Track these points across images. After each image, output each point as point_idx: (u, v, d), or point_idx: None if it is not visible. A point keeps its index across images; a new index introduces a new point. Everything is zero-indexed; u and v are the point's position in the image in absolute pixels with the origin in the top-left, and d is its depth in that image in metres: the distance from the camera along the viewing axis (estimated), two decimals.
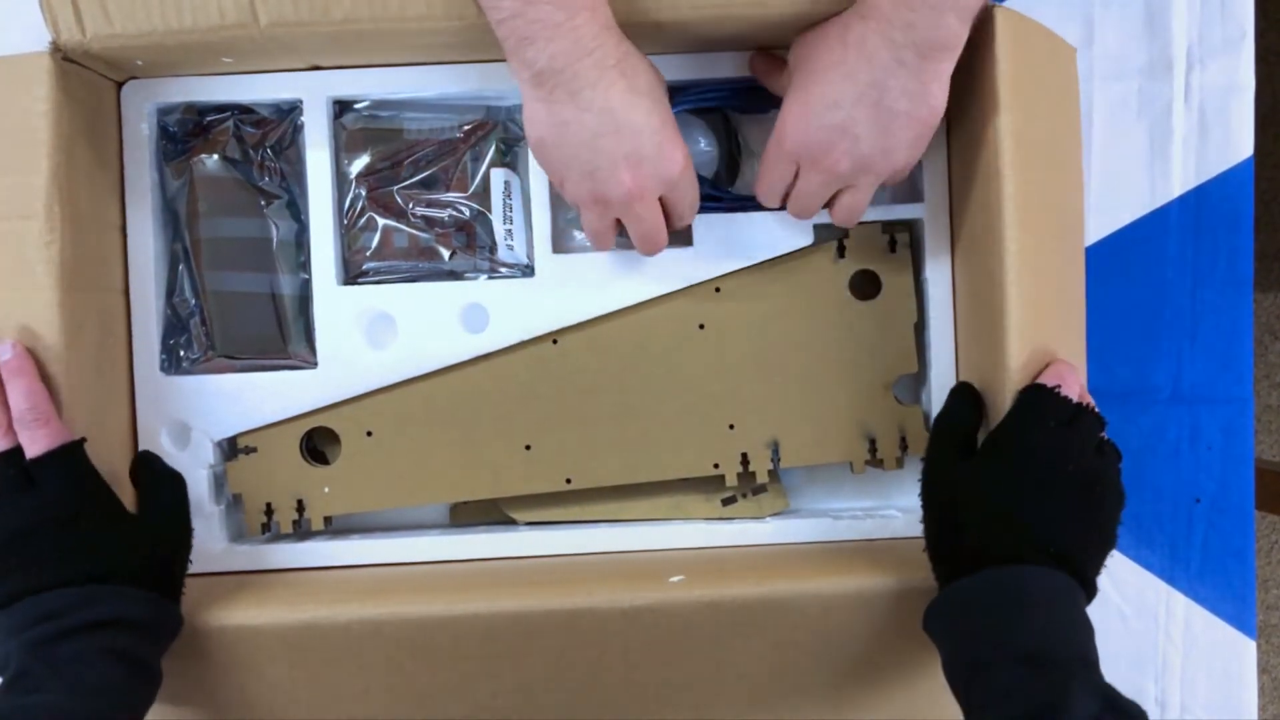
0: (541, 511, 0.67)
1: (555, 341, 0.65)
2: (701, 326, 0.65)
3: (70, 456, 0.53)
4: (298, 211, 0.65)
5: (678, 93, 0.64)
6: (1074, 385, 0.53)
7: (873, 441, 0.66)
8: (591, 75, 0.50)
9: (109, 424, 0.61)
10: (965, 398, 0.58)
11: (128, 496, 0.57)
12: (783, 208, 0.60)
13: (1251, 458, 0.68)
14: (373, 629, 0.57)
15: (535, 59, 0.50)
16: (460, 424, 0.65)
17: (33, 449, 0.52)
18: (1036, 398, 0.53)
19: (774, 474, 0.67)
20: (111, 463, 0.58)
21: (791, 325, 0.65)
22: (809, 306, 0.65)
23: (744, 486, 0.66)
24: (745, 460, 0.65)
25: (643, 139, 0.53)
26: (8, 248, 0.55)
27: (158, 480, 0.59)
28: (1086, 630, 0.49)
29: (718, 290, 0.65)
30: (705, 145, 0.67)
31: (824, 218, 0.64)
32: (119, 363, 0.62)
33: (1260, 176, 0.68)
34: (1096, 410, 0.53)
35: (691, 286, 0.64)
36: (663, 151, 0.53)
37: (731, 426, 0.65)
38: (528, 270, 0.65)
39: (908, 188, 0.66)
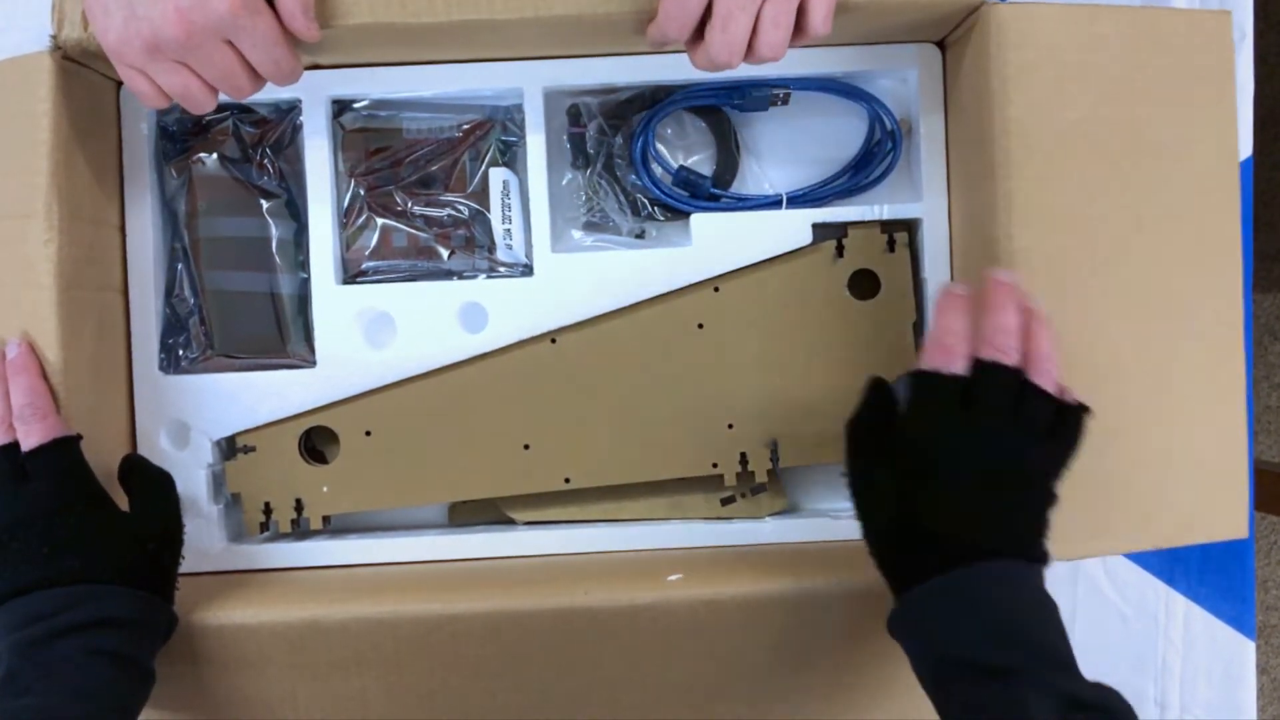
0: (540, 511, 0.67)
1: (554, 341, 0.65)
2: (700, 326, 0.65)
3: (62, 451, 0.53)
4: (296, 211, 0.65)
5: (676, 91, 0.64)
6: (962, 347, 0.50)
7: None
8: None
9: (108, 423, 0.61)
10: (877, 393, 0.54)
11: (123, 498, 0.57)
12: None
13: (1251, 458, 0.68)
14: (371, 628, 0.57)
15: None
16: (459, 423, 0.65)
17: (27, 443, 0.52)
18: (920, 385, 0.50)
19: (773, 474, 0.67)
20: (109, 461, 0.58)
21: (790, 325, 0.65)
22: (808, 306, 0.65)
23: (743, 486, 0.66)
24: (744, 460, 0.65)
25: None
26: (7, 246, 0.55)
27: (146, 479, 0.58)
28: (1042, 613, 0.48)
29: (716, 290, 0.65)
30: (704, 144, 0.67)
31: (823, 216, 0.64)
32: (118, 362, 0.63)
33: (1259, 177, 0.68)
34: (1006, 365, 0.49)
35: (690, 286, 0.64)
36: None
37: (730, 426, 0.65)
38: (526, 270, 0.65)
39: (908, 187, 0.66)
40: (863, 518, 0.52)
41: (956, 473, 0.49)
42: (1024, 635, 0.47)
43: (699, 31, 0.50)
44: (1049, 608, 0.48)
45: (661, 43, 0.51)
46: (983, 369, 0.50)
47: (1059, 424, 0.50)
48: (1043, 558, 0.50)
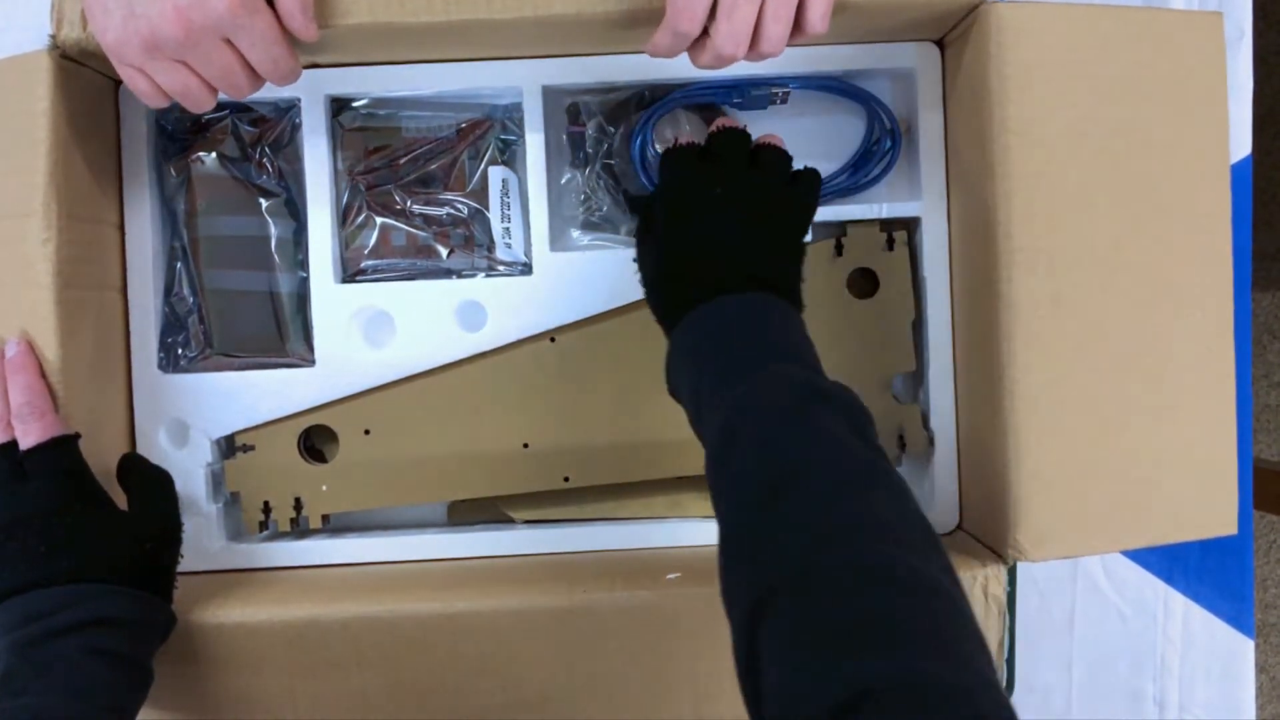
0: (539, 510, 0.67)
1: (553, 339, 0.65)
2: None
3: (60, 449, 0.53)
4: (295, 210, 0.65)
5: (675, 90, 0.64)
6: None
7: None
8: None
9: (107, 422, 0.61)
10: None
11: (123, 497, 0.57)
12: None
13: (1250, 457, 0.68)
14: (370, 627, 0.57)
15: None
16: (458, 422, 0.65)
17: (25, 441, 0.52)
18: (665, 157, 0.55)
19: None
20: (108, 460, 0.58)
21: None
22: (807, 304, 0.65)
23: None
24: None
25: None
26: (6, 245, 0.55)
27: (145, 479, 0.58)
28: (787, 326, 0.50)
29: None
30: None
31: (822, 215, 0.64)
32: (117, 361, 0.63)
33: (1259, 176, 0.68)
34: (735, 127, 0.54)
35: None
36: None
37: None
38: (525, 268, 0.65)
39: (907, 186, 0.66)
40: (642, 282, 0.55)
41: (706, 215, 0.52)
42: (767, 340, 0.49)
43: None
44: (797, 327, 0.50)
45: (668, 47, 0.51)
46: (714, 135, 0.54)
47: (796, 177, 0.55)
48: (797, 299, 0.53)
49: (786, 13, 0.49)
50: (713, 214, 0.52)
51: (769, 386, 0.45)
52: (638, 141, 0.64)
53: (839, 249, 0.65)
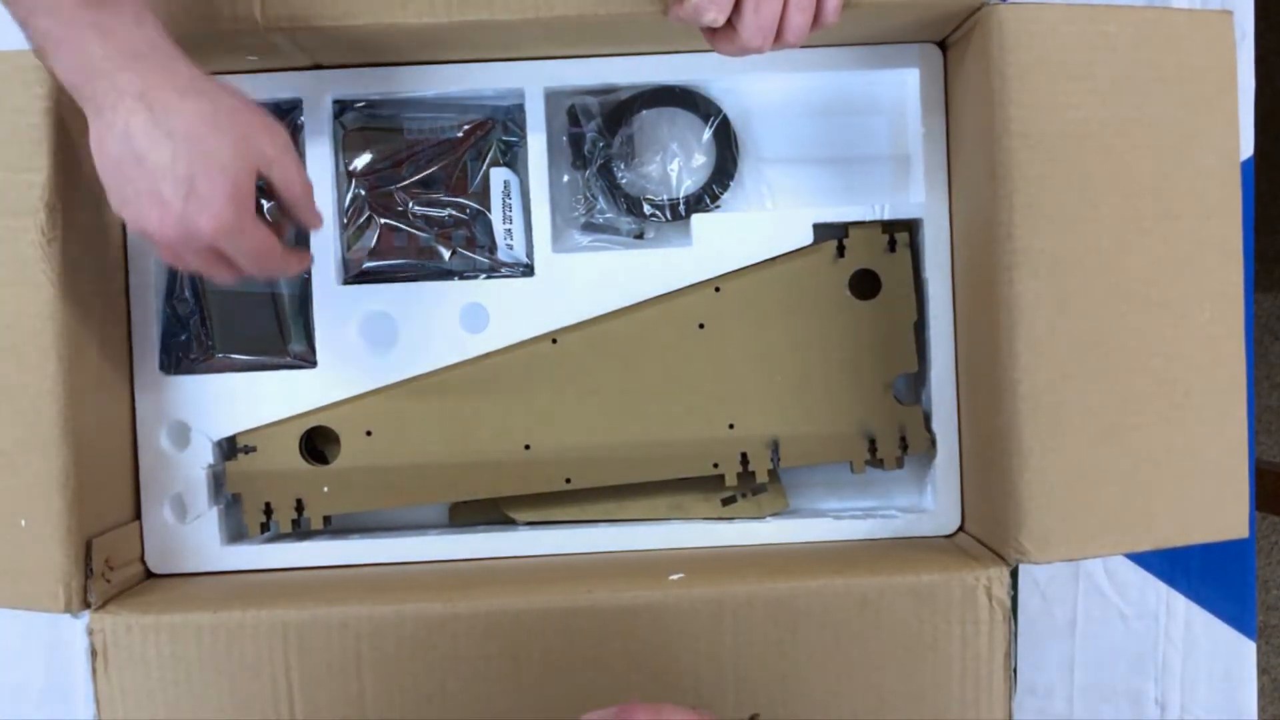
0: (541, 511, 0.67)
1: (555, 341, 0.65)
2: (701, 326, 0.65)
3: None
4: None
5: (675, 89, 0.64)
6: None
7: (872, 441, 0.66)
8: (109, 98, 0.47)
9: (108, 423, 0.61)
10: None
11: (123, 494, 0.57)
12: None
13: (1251, 458, 0.68)
14: (371, 628, 0.57)
15: (54, 69, 0.48)
16: (459, 424, 0.65)
17: None
18: None
19: (774, 474, 0.67)
20: (109, 461, 0.58)
21: (792, 325, 0.65)
22: (809, 306, 0.65)
23: (744, 486, 0.66)
24: (745, 460, 0.65)
25: (164, 183, 0.48)
26: (8, 246, 0.55)
27: None
28: None
29: (718, 290, 0.65)
30: (703, 145, 0.67)
31: (823, 216, 0.64)
32: (118, 362, 0.62)
33: (1260, 178, 0.68)
34: None
35: (691, 286, 0.64)
36: (189, 205, 0.48)
37: (731, 426, 0.65)
38: (527, 270, 0.65)
39: (909, 187, 0.66)
40: None
41: None
42: None
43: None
44: None
45: (691, 20, 0.51)
46: None
47: None
48: None
49: (809, 3, 0.50)
50: None
51: None
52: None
53: (840, 250, 0.65)
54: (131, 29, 0.47)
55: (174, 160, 0.48)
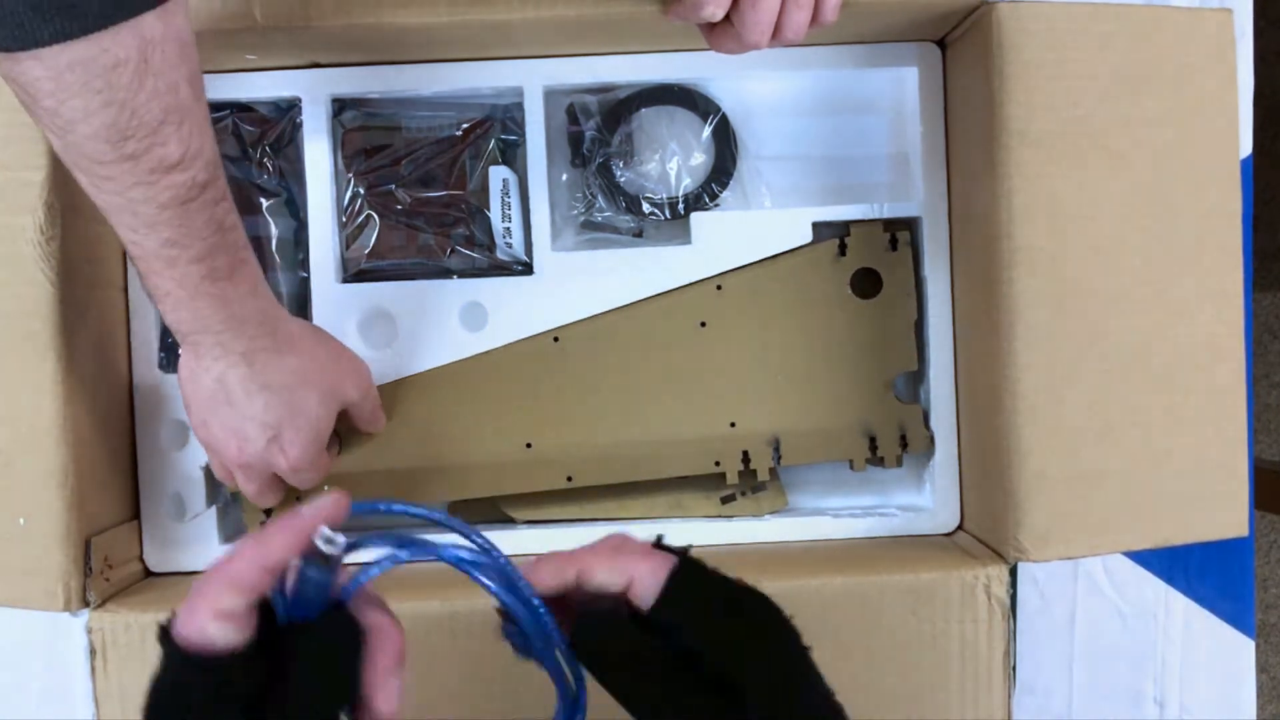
0: (541, 510, 0.67)
1: (556, 339, 0.65)
2: (703, 324, 0.65)
3: None
4: (296, 209, 0.65)
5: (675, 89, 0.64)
6: None
7: (873, 439, 0.66)
8: (214, 350, 0.51)
9: (108, 422, 0.61)
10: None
11: (122, 493, 0.57)
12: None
13: (1251, 457, 0.68)
14: None
15: (164, 313, 0.50)
16: (460, 422, 0.65)
17: None
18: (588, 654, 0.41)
19: (773, 472, 0.67)
20: (109, 462, 0.58)
21: (793, 323, 0.65)
22: (811, 304, 0.65)
23: (744, 484, 0.66)
24: (746, 458, 0.65)
25: (250, 425, 0.53)
26: (7, 244, 0.55)
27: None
28: None
29: (719, 288, 0.65)
30: (702, 144, 0.67)
31: (822, 215, 0.64)
32: (118, 360, 0.62)
33: (1258, 176, 0.68)
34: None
35: (693, 284, 0.64)
36: (270, 448, 0.54)
37: (733, 424, 0.65)
38: (526, 268, 0.65)
39: (908, 186, 0.66)
40: None
41: None
42: None
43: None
44: None
45: (690, 16, 0.50)
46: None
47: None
48: None
49: (808, 0, 0.50)
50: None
51: None
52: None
53: (842, 249, 0.65)
54: (247, 300, 0.50)
55: (265, 410, 0.53)
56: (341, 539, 0.37)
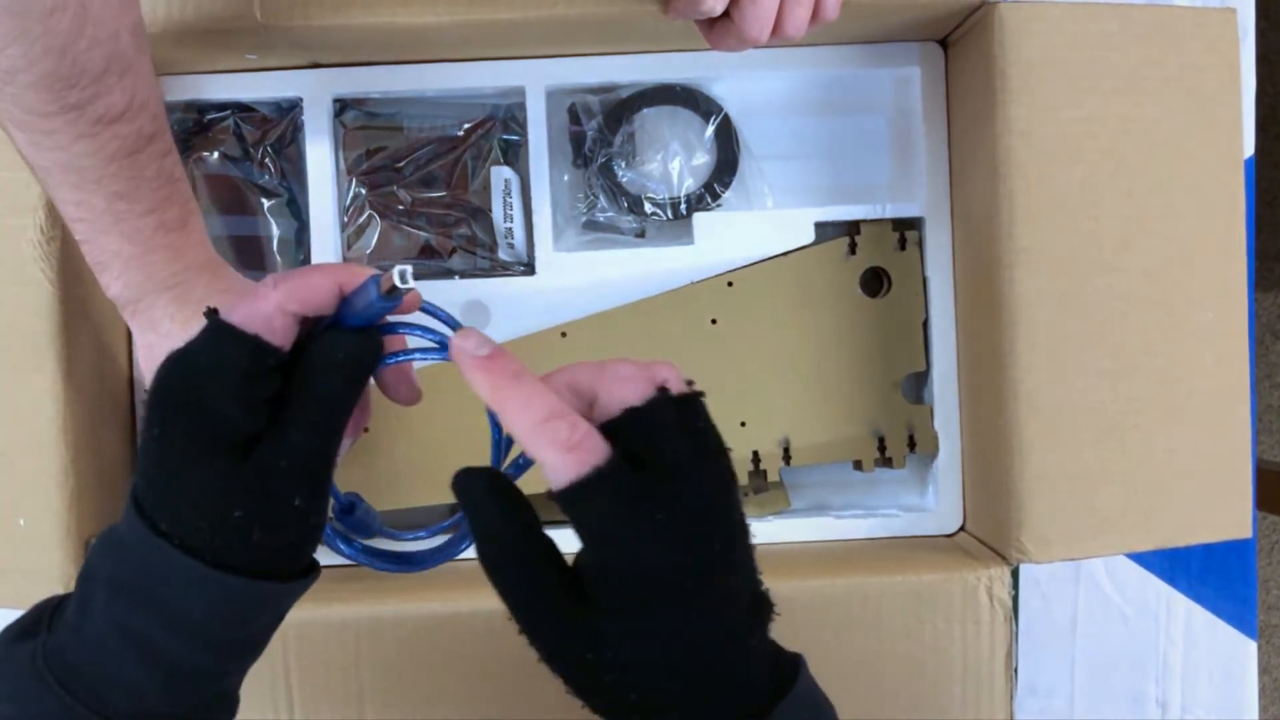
0: (542, 510, 0.67)
1: (564, 334, 0.64)
2: (714, 321, 0.65)
3: None
4: (298, 210, 0.65)
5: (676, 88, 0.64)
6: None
7: (881, 440, 0.65)
8: (169, 309, 0.49)
9: (107, 422, 0.61)
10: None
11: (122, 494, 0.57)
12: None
13: (1253, 459, 0.68)
14: (369, 628, 0.57)
15: (109, 283, 0.49)
16: (461, 421, 0.65)
17: None
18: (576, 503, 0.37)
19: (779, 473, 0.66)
20: (110, 461, 0.58)
21: (803, 321, 0.65)
22: (820, 303, 0.65)
23: (750, 485, 0.66)
24: (756, 459, 0.65)
25: None
26: (7, 244, 0.55)
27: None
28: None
29: (730, 285, 0.64)
30: (704, 144, 0.67)
31: (824, 215, 0.64)
32: (118, 360, 0.62)
33: (1260, 177, 0.68)
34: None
35: (704, 280, 0.64)
36: None
37: (743, 424, 0.65)
38: (528, 268, 0.65)
39: (910, 186, 0.66)
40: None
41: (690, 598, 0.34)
42: None
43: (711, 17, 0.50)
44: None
45: (690, 11, 0.50)
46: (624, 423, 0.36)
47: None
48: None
49: None
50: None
51: None
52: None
53: (852, 248, 0.65)
54: (199, 248, 0.50)
55: None
56: (414, 282, 0.38)
